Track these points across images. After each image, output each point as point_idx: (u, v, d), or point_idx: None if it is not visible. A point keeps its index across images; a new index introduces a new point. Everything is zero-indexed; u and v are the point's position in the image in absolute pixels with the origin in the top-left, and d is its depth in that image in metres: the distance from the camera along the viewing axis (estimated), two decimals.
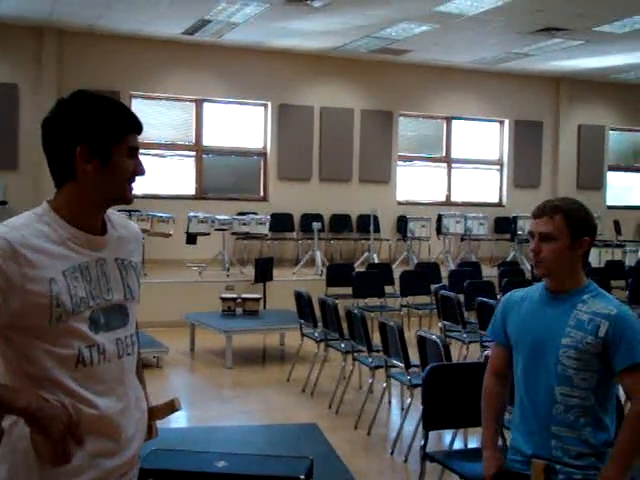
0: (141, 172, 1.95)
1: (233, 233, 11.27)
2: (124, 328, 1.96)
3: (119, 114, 1.91)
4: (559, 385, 2.40)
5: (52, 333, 1.80)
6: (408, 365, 5.34)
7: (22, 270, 1.75)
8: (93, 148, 1.86)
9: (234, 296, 8.79)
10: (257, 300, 8.82)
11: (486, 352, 4.83)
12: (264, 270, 10.11)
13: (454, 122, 14.46)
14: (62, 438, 1.73)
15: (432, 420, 3.94)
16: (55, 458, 1.74)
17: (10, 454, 1.84)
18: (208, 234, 10.85)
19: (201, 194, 12.73)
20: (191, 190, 12.66)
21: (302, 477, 3.54)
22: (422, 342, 5.07)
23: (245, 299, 8.65)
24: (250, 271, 10.60)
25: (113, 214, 2.03)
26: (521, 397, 2.47)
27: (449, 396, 3.99)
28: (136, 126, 1.94)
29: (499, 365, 2.66)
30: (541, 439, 2.42)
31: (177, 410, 2.18)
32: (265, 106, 13.03)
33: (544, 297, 2.51)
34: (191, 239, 10.68)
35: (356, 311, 6.28)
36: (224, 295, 8.89)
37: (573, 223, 2.43)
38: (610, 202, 15.46)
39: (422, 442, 3.88)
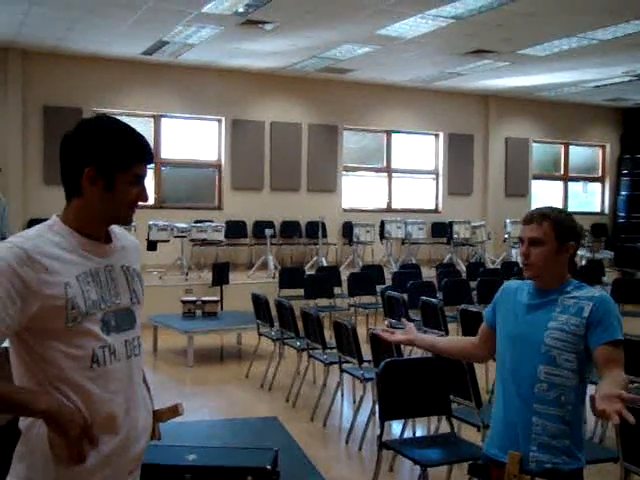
0: (143, 199, 1.93)
1: (191, 240, 11.18)
2: (132, 330, 1.95)
3: (131, 143, 1.88)
4: (543, 364, 2.40)
5: (68, 334, 1.79)
6: (361, 361, 5.36)
7: (39, 275, 1.74)
8: (100, 172, 1.85)
9: (194, 299, 8.72)
10: (215, 302, 8.77)
11: None
12: (221, 274, 10.07)
13: (394, 135, 14.57)
14: (78, 439, 1.72)
15: (387, 411, 3.96)
16: (71, 458, 1.74)
17: (29, 453, 1.82)
18: (168, 241, 10.74)
19: (160, 204, 12.55)
20: (150, 200, 12.44)
21: (268, 467, 3.52)
22: (375, 339, 5.09)
23: (204, 301, 8.59)
24: (207, 275, 10.52)
25: (114, 227, 2.02)
26: (505, 384, 2.47)
27: (402, 389, 4.02)
28: (146, 156, 1.91)
29: (481, 335, 2.70)
30: (524, 416, 2.41)
31: (180, 414, 2.14)
32: (219, 121, 12.94)
33: (533, 292, 2.52)
34: (152, 246, 10.53)
35: (311, 311, 6.29)
36: (184, 298, 8.82)
37: (559, 229, 2.46)
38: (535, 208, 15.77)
39: (378, 432, 3.91)
